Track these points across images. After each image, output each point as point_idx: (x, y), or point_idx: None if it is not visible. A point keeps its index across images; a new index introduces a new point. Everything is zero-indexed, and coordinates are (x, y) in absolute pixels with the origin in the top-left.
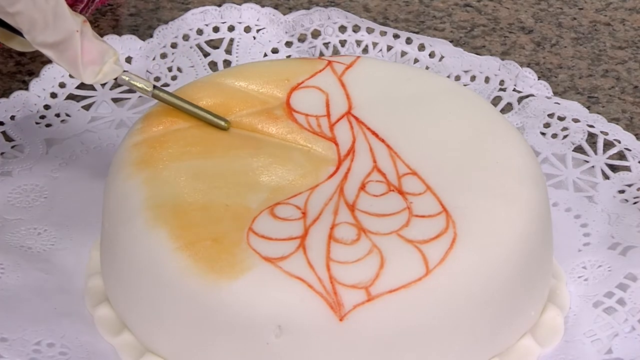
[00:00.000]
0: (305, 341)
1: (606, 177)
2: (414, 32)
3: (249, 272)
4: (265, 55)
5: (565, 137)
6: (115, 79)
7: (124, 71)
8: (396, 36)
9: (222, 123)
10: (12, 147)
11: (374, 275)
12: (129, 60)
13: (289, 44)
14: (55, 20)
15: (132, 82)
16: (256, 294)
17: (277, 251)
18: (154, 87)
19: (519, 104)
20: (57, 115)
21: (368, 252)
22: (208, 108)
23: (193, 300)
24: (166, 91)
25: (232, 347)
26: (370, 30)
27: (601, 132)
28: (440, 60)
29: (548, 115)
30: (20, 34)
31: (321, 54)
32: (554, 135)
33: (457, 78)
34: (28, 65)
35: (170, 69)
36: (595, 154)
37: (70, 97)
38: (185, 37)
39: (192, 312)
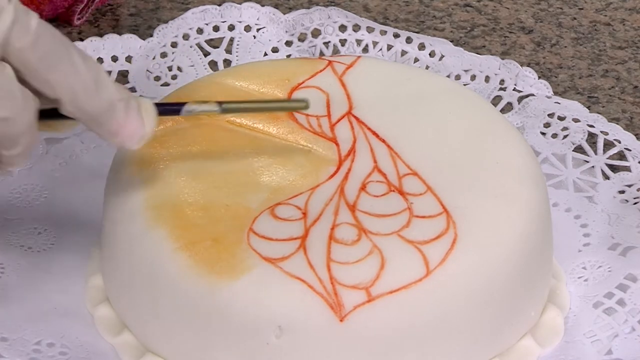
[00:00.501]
0: (305, 342)
1: (606, 177)
2: (414, 32)
3: (249, 272)
4: (266, 54)
5: (565, 137)
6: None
7: (184, 105)
8: (396, 35)
9: (302, 104)
10: None
11: (375, 275)
12: (129, 59)
13: (289, 43)
14: (97, 88)
15: (197, 112)
16: (256, 294)
17: (278, 251)
18: (220, 104)
19: (519, 103)
20: None
21: (368, 253)
22: None
23: (193, 300)
24: (232, 101)
25: (232, 348)
26: (370, 30)
27: (601, 132)
28: (440, 59)
29: (548, 115)
30: (60, 116)
31: (321, 54)
32: (554, 135)
33: (457, 77)
34: None
35: (170, 69)
36: (596, 154)
37: None
38: (186, 37)
39: (192, 312)
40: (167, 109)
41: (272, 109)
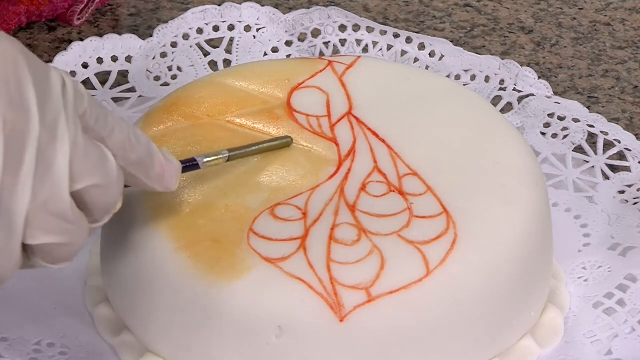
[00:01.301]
0: (305, 342)
1: (606, 177)
2: (414, 32)
3: (250, 272)
4: (266, 54)
5: (565, 137)
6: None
7: (195, 161)
8: (396, 35)
9: (287, 140)
10: None
11: (375, 276)
12: (129, 59)
13: (289, 43)
14: (135, 135)
15: (210, 164)
16: (256, 294)
17: (278, 252)
18: (228, 152)
19: (519, 103)
20: None
21: (368, 253)
22: (208, 108)
23: (193, 300)
24: (237, 148)
25: (233, 348)
26: (370, 30)
27: (601, 132)
28: (440, 59)
29: (548, 115)
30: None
31: (321, 53)
32: (554, 135)
33: (457, 77)
34: None
35: (170, 68)
36: (596, 154)
37: None
38: (185, 37)
39: (192, 312)
40: (186, 166)
41: (264, 150)
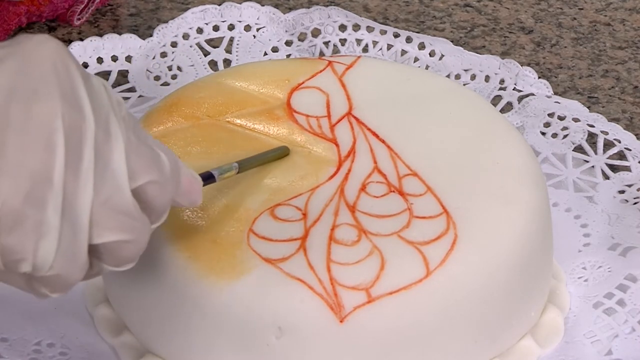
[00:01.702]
0: (305, 342)
1: (606, 177)
2: (414, 32)
3: (249, 273)
4: (265, 54)
5: (565, 136)
6: None
7: (211, 175)
8: (396, 35)
9: (284, 149)
10: None
11: (375, 276)
12: (128, 59)
13: (289, 43)
14: (163, 149)
15: (222, 177)
16: (256, 295)
17: (278, 252)
18: (238, 164)
19: (519, 103)
20: None
21: (368, 254)
22: (208, 108)
23: (193, 301)
24: (246, 159)
25: (232, 348)
26: (370, 29)
27: (601, 131)
28: (440, 59)
29: (548, 114)
30: None
31: (321, 53)
32: (554, 135)
33: (457, 77)
34: None
35: (170, 68)
36: (596, 153)
37: None
38: (185, 36)
39: (192, 313)
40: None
41: (263, 162)
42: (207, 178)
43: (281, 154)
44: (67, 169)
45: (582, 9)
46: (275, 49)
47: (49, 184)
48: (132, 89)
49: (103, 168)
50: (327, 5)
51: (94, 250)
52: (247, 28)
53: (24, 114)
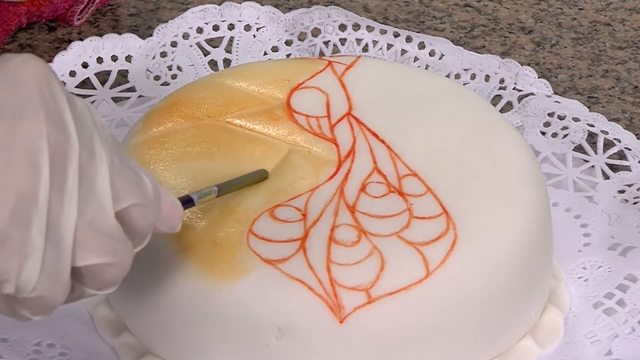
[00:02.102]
0: (305, 343)
1: (606, 176)
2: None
3: (249, 274)
4: (265, 53)
5: (565, 136)
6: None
7: (190, 199)
8: (396, 34)
9: (263, 173)
10: None
11: (374, 277)
12: (128, 59)
13: (289, 43)
14: (145, 173)
15: (202, 201)
16: (256, 295)
17: (277, 253)
18: (217, 187)
19: (519, 102)
20: None
21: (368, 254)
22: (208, 108)
23: (193, 301)
24: (225, 183)
25: (232, 349)
26: (370, 29)
27: (601, 131)
28: (440, 58)
29: (548, 114)
30: None
31: (321, 53)
32: (554, 135)
33: (457, 76)
34: None
35: (170, 68)
36: (596, 153)
37: None
38: (185, 36)
39: (192, 314)
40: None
41: (242, 185)
42: (187, 202)
43: (260, 177)
44: (52, 189)
45: (582, 9)
46: (275, 49)
47: (34, 204)
48: (132, 89)
49: (87, 189)
50: (327, 5)
51: (76, 273)
52: (247, 28)
53: (9, 133)
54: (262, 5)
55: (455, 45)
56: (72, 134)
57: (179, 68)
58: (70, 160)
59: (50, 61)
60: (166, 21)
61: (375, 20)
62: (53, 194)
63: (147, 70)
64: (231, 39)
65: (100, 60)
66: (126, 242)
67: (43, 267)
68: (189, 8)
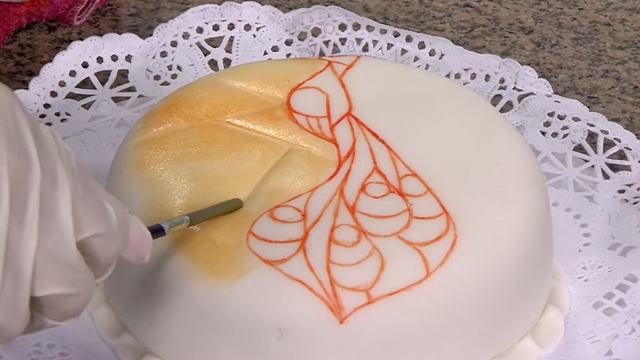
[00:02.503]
0: (305, 344)
1: (606, 176)
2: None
3: (249, 274)
4: (265, 53)
5: (565, 136)
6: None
7: (160, 228)
8: (396, 34)
9: (237, 203)
10: None
11: (374, 277)
12: (128, 58)
13: (289, 42)
14: (112, 204)
15: (173, 230)
16: (256, 296)
17: (277, 253)
18: (189, 217)
19: (519, 102)
20: (57, 114)
21: (368, 255)
22: (208, 108)
23: (193, 302)
24: (197, 212)
25: (232, 350)
26: (370, 29)
27: (601, 131)
28: (440, 58)
29: (548, 113)
30: None
31: (321, 52)
32: (554, 134)
33: (457, 76)
34: (28, 66)
35: (170, 68)
36: (596, 153)
37: (70, 96)
38: (185, 36)
39: (192, 314)
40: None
41: (215, 215)
42: (157, 231)
43: (234, 207)
44: (12, 216)
45: (582, 9)
46: (275, 49)
47: None
48: (132, 89)
49: (48, 218)
50: (327, 5)
51: (35, 303)
52: (247, 27)
53: None
54: (262, 5)
55: (455, 45)
56: (34, 161)
57: (179, 68)
58: (32, 187)
59: (50, 61)
60: (166, 21)
61: (375, 20)
62: (13, 222)
63: (147, 70)
64: (231, 39)
65: (100, 60)
66: (87, 272)
67: (1, 296)
68: (189, 8)
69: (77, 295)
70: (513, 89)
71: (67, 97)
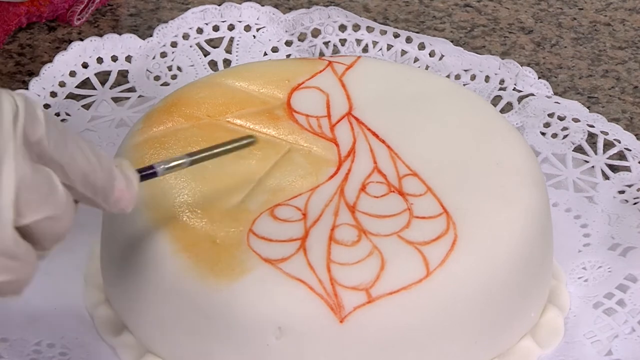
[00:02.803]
0: (305, 343)
1: (606, 177)
2: (414, 32)
3: (249, 273)
4: (265, 54)
5: (565, 136)
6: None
7: (157, 167)
8: (396, 35)
9: (250, 140)
10: None
11: (375, 276)
12: (128, 59)
13: (289, 43)
14: (98, 160)
15: (168, 170)
16: (256, 295)
17: (278, 252)
18: (189, 155)
19: (519, 103)
20: (57, 114)
21: (368, 254)
22: (208, 108)
23: (193, 301)
24: (197, 152)
25: (232, 349)
26: (370, 29)
27: (601, 131)
28: (440, 59)
29: (548, 114)
30: None
31: (321, 53)
32: (554, 135)
33: (457, 77)
34: (28, 66)
35: (170, 68)
36: (596, 154)
37: (70, 96)
38: (185, 36)
39: (192, 313)
40: (143, 175)
41: (229, 150)
42: (149, 174)
43: (245, 144)
44: None
45: (582, 9)
46: (275, 49)
47: None
48: (132, 89)
49: None
50: (327, 6)
51: None
52: (247, 28)
53: None
54: (262, 5)
55: (455, 45)
56: None
57: (179, 68)
58: None
59: (51, 61)
60: (166, 21)
61: (375, 20)
62: None
63: (147, 70)
64: (231, 40)
65: (100, 60)
66: (26, 257)
67: None
68: (189, 8)
69: (14, 282)
70: (513, 90)
71: (67, 97)
